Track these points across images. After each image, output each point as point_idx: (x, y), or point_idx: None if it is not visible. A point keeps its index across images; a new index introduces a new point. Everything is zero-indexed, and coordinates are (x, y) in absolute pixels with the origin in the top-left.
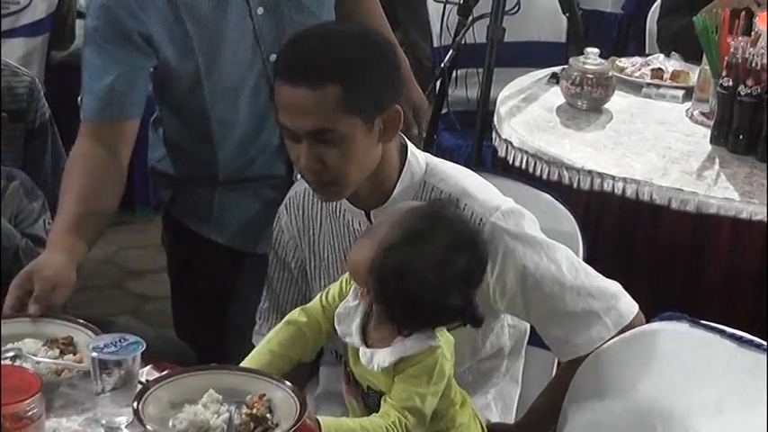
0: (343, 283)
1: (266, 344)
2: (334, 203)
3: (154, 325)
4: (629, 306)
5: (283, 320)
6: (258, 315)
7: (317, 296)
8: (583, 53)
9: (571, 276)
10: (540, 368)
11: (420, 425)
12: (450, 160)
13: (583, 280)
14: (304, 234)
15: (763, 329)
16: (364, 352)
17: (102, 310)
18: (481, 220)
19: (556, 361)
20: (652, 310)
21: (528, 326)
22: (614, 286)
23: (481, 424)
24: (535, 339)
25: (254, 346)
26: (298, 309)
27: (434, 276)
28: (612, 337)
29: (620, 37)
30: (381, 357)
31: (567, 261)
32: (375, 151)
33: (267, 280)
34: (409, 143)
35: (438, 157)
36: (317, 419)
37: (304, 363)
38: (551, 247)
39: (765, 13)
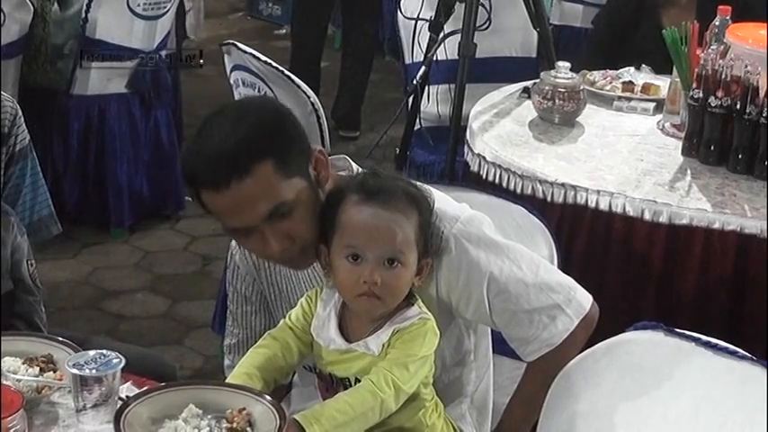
0: (305, 304)
1: (241, 368)
2: None
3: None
4: (585, 296)
5: (254, 347)
6: (227, 350)
7: (282, 321)
8: (554, 67)
9: (532, 274)
10: (510, 378)
11: (404, 381)
12: (424, 176)
13: (543, 276)
14: (260, 268)
15: (736, 337)
16: (358, 345)
17: (78, 330)
18: (442, 232)
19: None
20: (626, 320)
21: (488, 328)
22: (569, 278)
23: (455, 429)
24: (502, 349)
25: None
26: (266, 334)
27: None
28: (577, 328)
29: None
30: (377, 338)
31: (527, 259)
32: (320, 199)
33: (230, 315)
34: (352, 167)
35: (412, 173)
36: (294, 419)
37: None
38: (511, 248)
39: (734, 25)
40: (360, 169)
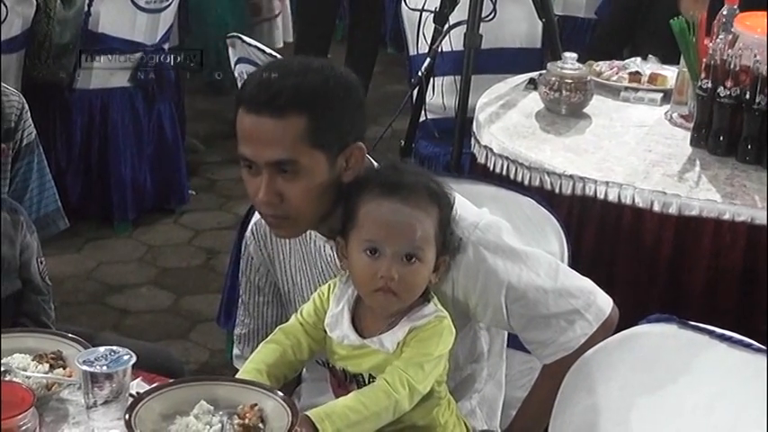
0: (317, 300)
1: (252, 364)
2: None
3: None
4: (605, 300)
5: (264, 342)
6: (237, 340)
7: (293, 316)
8: (560, 58)
9: (551, 280)
10: (521, 371)
11: (418, 381)
12: (429, 168)
13: (563, 281)
14: (274, 259)
15: (746, 329)
16: (372, 341)
17: (82, 325)
18: (460, 239)
19: (538, 363)
20: (636, 312)
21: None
22: (589, 282)
23: (467, 426)
24: (514, 342)
25: (237, 371)
26: (277, 329)
27: None
28: (595, 332)
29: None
30: (392, 336)
31: (546, 266)
32: (334, 189)
33: (242, 305)
34: (371, 161)
35: (417, 165)
36: (306, 415)
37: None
38: (530, 255)
39: (743, 14)
40: (375, 163)
